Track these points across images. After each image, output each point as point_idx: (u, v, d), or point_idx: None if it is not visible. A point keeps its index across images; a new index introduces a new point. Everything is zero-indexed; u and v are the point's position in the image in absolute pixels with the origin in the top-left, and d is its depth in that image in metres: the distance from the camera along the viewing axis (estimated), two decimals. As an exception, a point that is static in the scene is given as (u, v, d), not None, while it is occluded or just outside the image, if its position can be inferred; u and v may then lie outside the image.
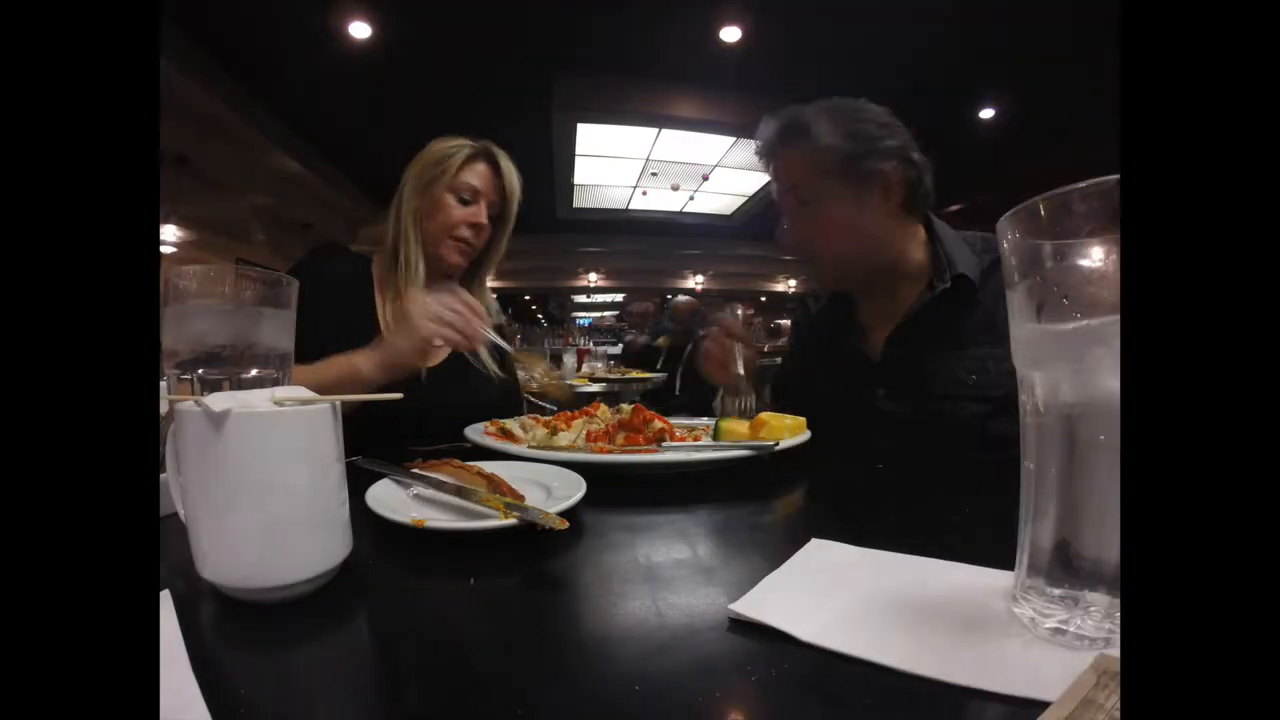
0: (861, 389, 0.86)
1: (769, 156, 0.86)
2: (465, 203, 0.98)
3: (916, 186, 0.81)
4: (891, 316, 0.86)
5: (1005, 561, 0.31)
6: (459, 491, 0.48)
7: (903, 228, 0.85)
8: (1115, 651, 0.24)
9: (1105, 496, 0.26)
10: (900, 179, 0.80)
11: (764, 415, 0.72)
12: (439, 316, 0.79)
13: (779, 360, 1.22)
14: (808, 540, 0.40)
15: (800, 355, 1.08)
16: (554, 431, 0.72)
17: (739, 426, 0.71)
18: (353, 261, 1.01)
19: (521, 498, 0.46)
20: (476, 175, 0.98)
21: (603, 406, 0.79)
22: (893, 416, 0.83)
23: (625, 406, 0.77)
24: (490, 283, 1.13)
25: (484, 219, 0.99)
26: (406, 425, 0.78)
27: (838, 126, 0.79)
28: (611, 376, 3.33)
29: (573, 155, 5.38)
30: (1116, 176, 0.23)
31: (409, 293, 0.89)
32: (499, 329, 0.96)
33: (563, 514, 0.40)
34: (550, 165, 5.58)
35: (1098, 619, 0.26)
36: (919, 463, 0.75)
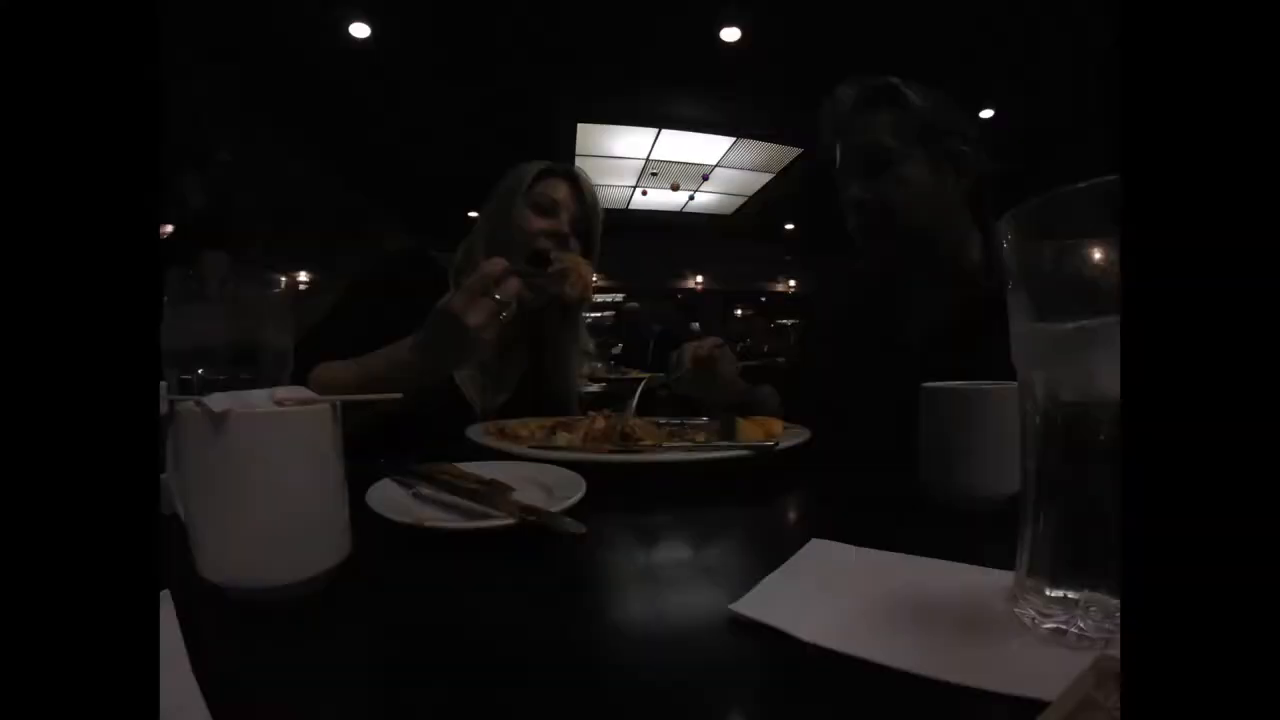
0: (896, 375, 0.87)
1: (853, 115, 0.84)
2: (545, 212, 0.93)
3: (985, 183, 0.82)
4: (935, 310, 0.85)
5: (1005, 561, 0.31)
6: (471, 494, 0.47)
7: (967, 223, 0.84)
8: (1115, 651, 0.24)
9: (1105, 496, 0.26)
10: (974, 165, 0.81)
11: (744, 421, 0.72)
12: (464, 288, 0.70)
13: (780, 359, 1.21)
14: (808, 540, 0.40)
15: (822, 341, 1.06)
16: (554, 431, 0.72)
17: (753, 426, 0.71)
18: (433, 271, 0.96)
19: (521, 498, 0.46)
20: (554, 188, 0.94)
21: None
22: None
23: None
24: None
25: (565, 229, 0.93)
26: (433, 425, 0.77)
27: (925, 99, 0.80)
28: (612, 377, 3.33)
29: (573, 155, 5.38)
30: (1116, 176, 0.23)
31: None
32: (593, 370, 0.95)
33: (563, 514, 0.40)
34: (549, 165, 5.58)
35: (1098, 619, 0.26)
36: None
